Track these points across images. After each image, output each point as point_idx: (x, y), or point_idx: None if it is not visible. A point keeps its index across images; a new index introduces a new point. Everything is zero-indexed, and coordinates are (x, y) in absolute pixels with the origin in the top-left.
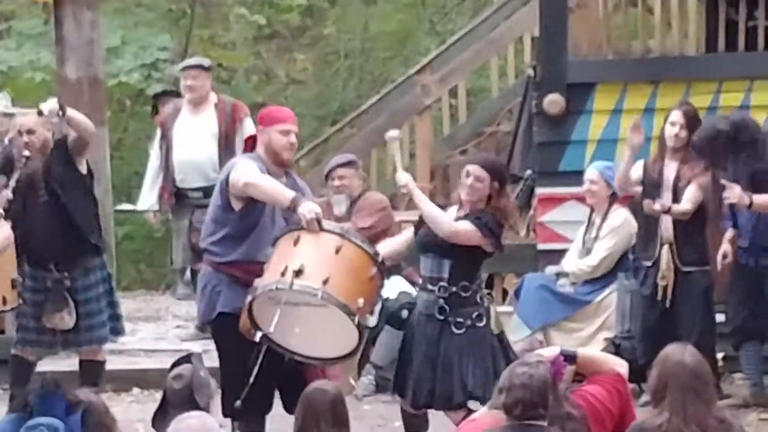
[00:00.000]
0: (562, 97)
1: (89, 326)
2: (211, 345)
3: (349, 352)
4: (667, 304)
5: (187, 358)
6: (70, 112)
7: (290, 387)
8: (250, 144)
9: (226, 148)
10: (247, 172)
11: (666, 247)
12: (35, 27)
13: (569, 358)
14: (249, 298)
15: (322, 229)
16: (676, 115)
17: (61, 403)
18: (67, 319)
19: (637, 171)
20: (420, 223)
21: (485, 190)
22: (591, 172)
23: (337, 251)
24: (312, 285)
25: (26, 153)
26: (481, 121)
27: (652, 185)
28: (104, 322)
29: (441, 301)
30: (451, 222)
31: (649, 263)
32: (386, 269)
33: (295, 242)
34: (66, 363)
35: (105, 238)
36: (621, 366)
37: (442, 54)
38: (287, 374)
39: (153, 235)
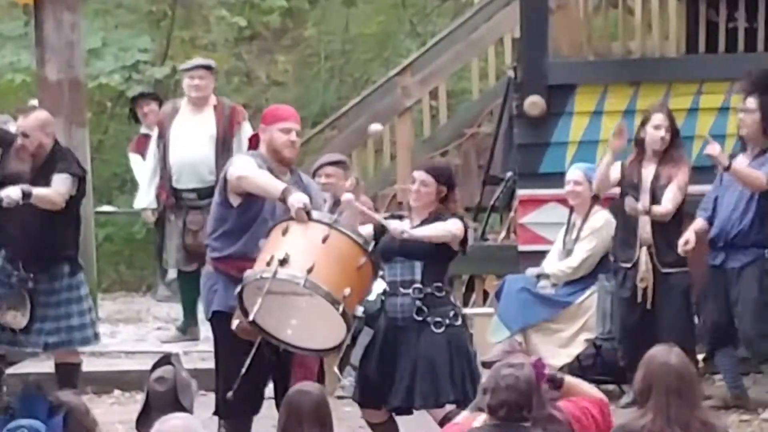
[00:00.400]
0: (542, 99)
1: (40, 330)
2: (192, 346)
3: (338, 343)
4: (648, 306)
5: (166, 359)
6: (37, 192)
7: (283, 385)
8: (254, 143)
9: (223, 151)
10: (242, 167)
11: (644, 249)
12: (15, 29)
13: (555, 382)
14: (238, 288)
15: (310, 219)
16: (660, 118)
17: (43, 405)
18: (19, 319)
19: (614, 173)
20: (381, 232)
21: (431, 195)
22: (575, 173)
23: (324, 240)
24: (296, 274)
25: None
26: (462, 123)
27: (630, 187)
28: (60, 328)
29: (418, 302)
30: (446, 229)
31: (628, 265)
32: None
33: (284, 232)
34: (48, 365)
35: (85, 239)
36: (603, 398)
37: (422, 55)
38: (282, 372)
39: (134, 237)
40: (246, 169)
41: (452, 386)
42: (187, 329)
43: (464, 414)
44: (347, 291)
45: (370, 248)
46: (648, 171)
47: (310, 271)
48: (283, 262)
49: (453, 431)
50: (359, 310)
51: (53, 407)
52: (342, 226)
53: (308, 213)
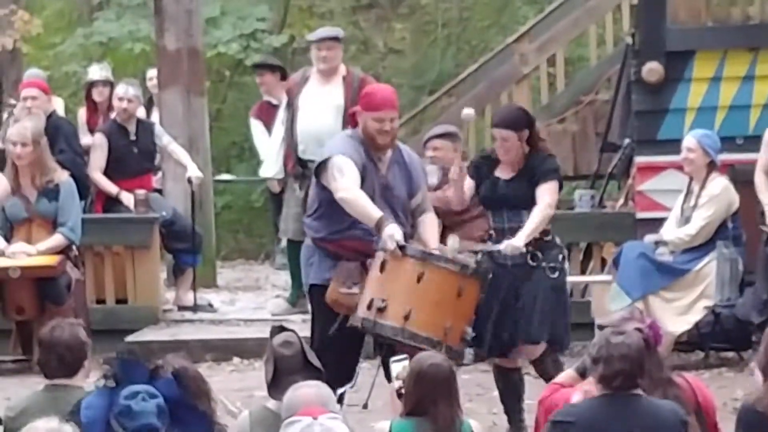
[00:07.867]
0: (660, 65)
1: None
2: (306, 316)
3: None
4: None
5: (281, 328)
6: None
7: (388, 358)
8: (353, 121)
9: (350, 122)
10: (342, 184)
11: None
12: None
13: None
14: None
15: (404, 255)
16: None
17: (142, 369)
18: None
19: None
20: (479, 180)
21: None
22: (688, 140)
23: (419, 279)
24: (394, 325)
25: None
26: (580, 90)
27: None
28: None
29: (530, 248)
30: (545, 212)
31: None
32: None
33: (381, 268)
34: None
35: (205, 208)
36: None
37: (540, 22)
38: (386, 345)
39: (252, 205)
40: (345, 187)
41: (551, 328)
42: (296, 301)
43: (569, 373)
44: (448, 324)
45: (471, 269)
46: None
47: (407, 317)
48: (382, 310)
49: (558, 396)
50: (469, 332)
51: (153, 371)
52: (436, 259)
53: (402, 248)
